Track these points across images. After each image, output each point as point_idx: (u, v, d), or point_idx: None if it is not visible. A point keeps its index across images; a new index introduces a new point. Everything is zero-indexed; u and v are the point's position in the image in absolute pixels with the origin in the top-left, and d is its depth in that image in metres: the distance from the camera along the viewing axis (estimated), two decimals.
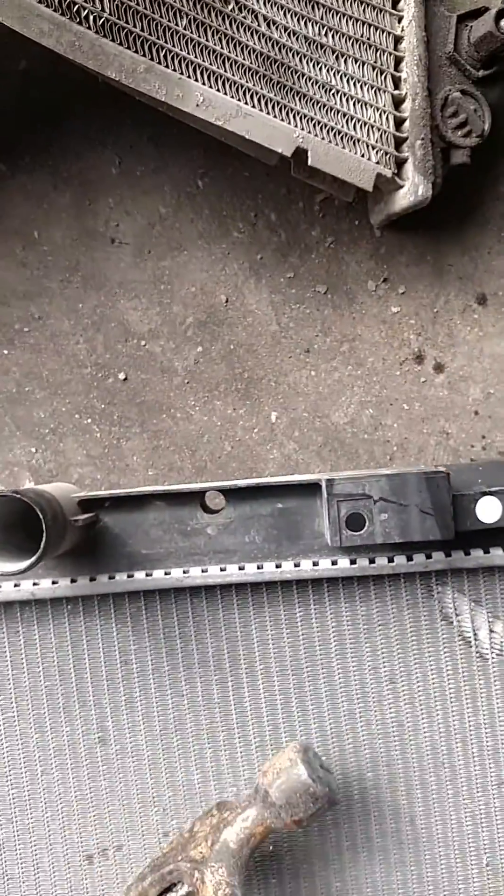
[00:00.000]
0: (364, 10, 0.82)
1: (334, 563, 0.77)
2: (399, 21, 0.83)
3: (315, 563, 0.77)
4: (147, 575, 0.78)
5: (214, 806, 0.71)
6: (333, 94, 0.81)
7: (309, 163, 0.81)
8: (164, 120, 0.84)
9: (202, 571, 0.77)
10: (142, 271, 0.94)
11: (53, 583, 0.78)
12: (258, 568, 0.77)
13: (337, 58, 0.81)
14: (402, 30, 0.82)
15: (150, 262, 0.94)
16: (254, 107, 0.80)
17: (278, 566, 0.77)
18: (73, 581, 0.78)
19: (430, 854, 0.79)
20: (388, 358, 0.93)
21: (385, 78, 0.82)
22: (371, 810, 0.79)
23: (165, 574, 0.78)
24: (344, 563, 0.77)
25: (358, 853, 0.79)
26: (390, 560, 0.77)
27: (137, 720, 0.80)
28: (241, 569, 0.77)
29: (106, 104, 0.89)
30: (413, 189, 0.82)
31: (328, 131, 0.81)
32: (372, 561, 0.77)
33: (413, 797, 0.79)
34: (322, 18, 0.81)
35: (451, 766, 0.79)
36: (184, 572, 0.77)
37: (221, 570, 0.77)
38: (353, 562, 0.77)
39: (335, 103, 0.81)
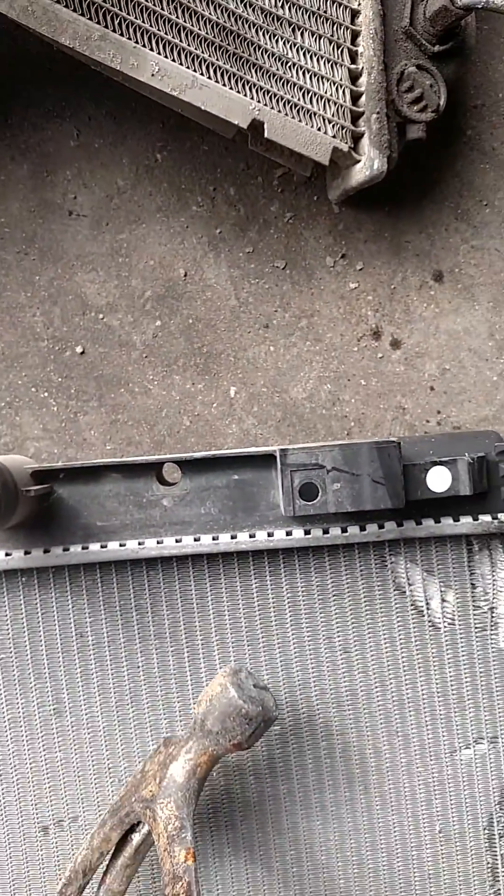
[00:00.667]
0: None
1: (289, 533, 0.77)
2: None
3: (270, 534, 0.78)
4: (102, 547, 0.78)
5: (161, 743, 0.72)
6: (290, 67, 0.81)
7: (265, 135, 0.81)
8: (123, 94, 0.83)
9: (157, 543, 0.77)
10: (100, 244, 0.93)
11: (7, 555, 0.77)
12: (213, 539, 0.77)
13: (294, 30, 0.81)
14: (359, 3, 0.82)
15: (108, 235, 0.93)
16: (210, 78, 0.79)
17: (234, 537, 0.77)
18: (26, 553, 0.77)
19: (383, 821, 0.80)
20: (345, 334, 0.94)
21: (342, 52, 0.82)
22: (325, 778, 0.80)
23: (121, 546, 0.78)
24: (298, 533, 0.77)
25: (312, 821, 0.80)
26: (344, 530, 0.77)
27: (93, 692, 0.80)
28: (196, 540, 0.77)
29: (64, 77, 0.88)
30: (369, 163, 0.82)
31: (285, 104, 0.81)
32: (326, 531, 0.78)
33: (367, 765, 0.80)
34: None
35: (405, 734, 0.80)
36: (139, 544, 0.77)
37: (177, 541, 0.77)
38: (307, 532, 0.77)
39: (292, 76, 0.81)
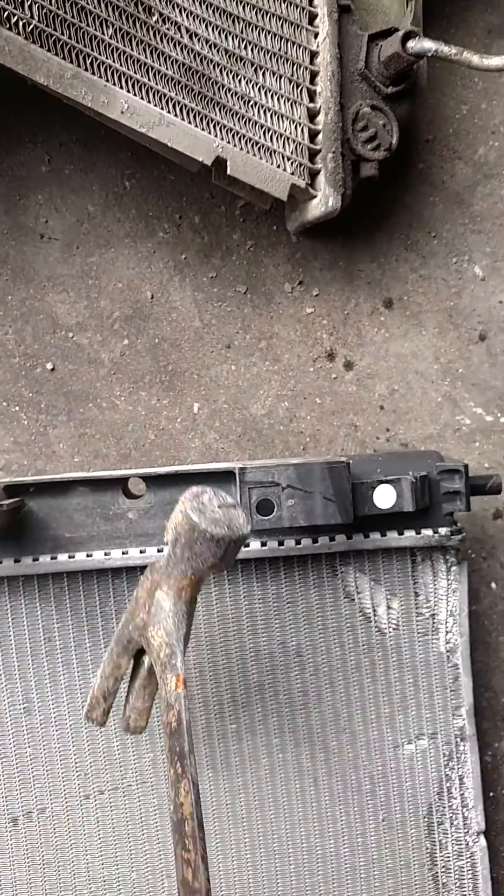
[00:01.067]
0: (282, 26, 0.87)
1: (247, 545, 0.83)
2: (315, 37, 0.88)
3: None
4: (70, 557, 0.82)
5: (147, 568, 0.71)
6: (252, 106, 0.86)
7: (228, 172, 0.86)
8: (94, 122, 0.87)
9: (122, 554, 0.82)
10: (70, 266, 0.97)
11: None
12: None
13: (256, 70, 0.86)
14: (318, 45, 0.88)
15: (79, 258, 0.98)
16: (176, 116, 0.84)
17: None
18: None
19: (331, 811, 0.87)
20: (302, 355, 1.00)
21: (301, 91, 0.87)
22: (277, 772, 0.86)
23: (88, 556, 0.83)
24: (256, 545, 0.83)
25: (265, 812, 0.86)
26: (298, 542, 0.83)
27: (60, 692, 0.85)
28: (160, 551, 0.82)
29: (37, 104, 0.92)
30: (324, 200, 0.87)
31: (246, 142, 0.86)
32: (281, 543, 0.83)
33: (316, 760, 0.86)
34: (242, 32, 0.86)
35: (352, 731, 0.87)
36: (105, 555, 0.82)
37: (141, 552, 0.83)
38: (264, 544, 0.83)
39: (253, 115, 0.86)
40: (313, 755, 0.86)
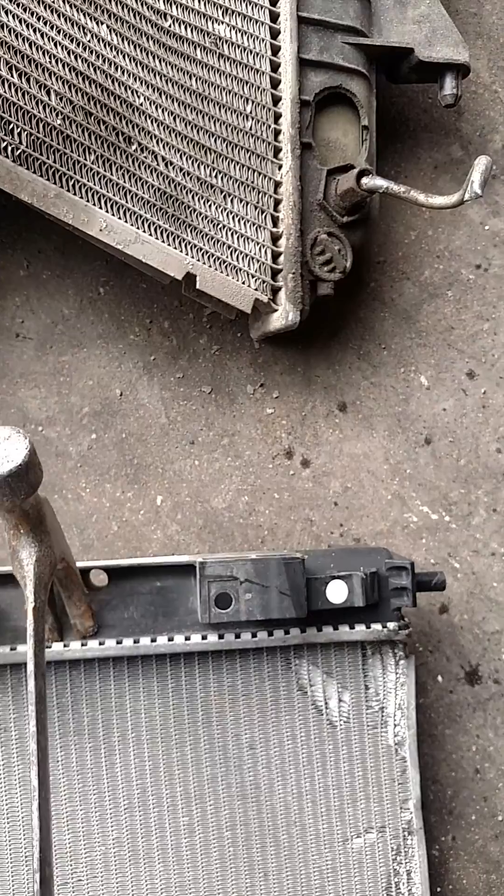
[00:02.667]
0: (249, 158, 0.96)
1: (204, 637, 0.86)
2: (279, 168, 0.97)
3: (187, 638, 0.86)
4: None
5: None
6: (221, 229, 0.94)
7: (197, 286, 0.93)
8: (71, 232, 0.94)
9: (82, 645, 0.85)
10: (43, 364, 1.03)
11: None
12: (135, 642, 0.85)
13: (225, 197, 0.95)
14: (282, 177, 0.97)
15: (52, 357, 1.03)
16: (151, 235, 0.92)
17: (153, 640, 0.85)
18: None
19: None
20: (262, 452, 1.05)
21: (265, 217, 0.96)
22: (228, 866, 0.87)
23: (47, 648, 0.84)
24: (213, 638, 0.86)
25: None
26: (254, 635, 0.87)
27: (13, 783, 0.85)
28: (118, 643, 0.85)
29: (18, 213, 0.98)
30: (284, 314, 0.95)
31: (215, 260, 0.94)
32: (238, 636, 0.87)
33: (267, 853, 0.88)
34: (213, 162, 0.94)
35: (302, 824, 0.88)
36: (65, 646, 0.85)
37: (100, 643, 0.85)
38: (221, 637, 0.86)
39: (222, 236, 0.94)
40: (264, 849, 0.88)
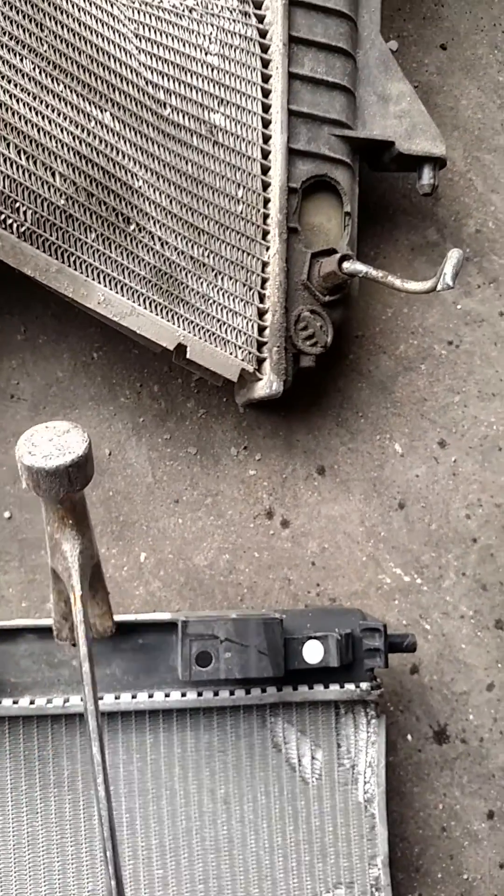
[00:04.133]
0: (239, 239, 1.02)
1: (184, 694, 0.89)
2: (267, 250, 1.04)
3: (167, 695, 0.89)
4: (14, 702, 0.87)
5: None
6: (211, 304, 1.00)
7: (187, 356, 0.99)
8: (68, 302, 0.99)
9: (64, 702, 0.87)
10: (36, 424, 1.07)
11: None
12: (116, 699, 0.88)
13: (216, 275, 1.01)
14: (269, 258, 1.03)
15: (45, 417, 1.07)
16: (145, 308, 0.97)
17: (134, 697, 0.89)
18: None
19: None
20: (244, 512, 1.10)
21: (253, 294, 1.02)
22: None
23: (30, 703, 0.87)
24: (192, 695, 0.90)
25: None
26: (231, 693, 0.90)
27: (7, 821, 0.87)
28: (99, 699, 0.88)
29: (17, 280, 1.03)
30: (269, 384, 1.01)
31: (204, 332, 1.00)
32: (216, 693, 0.90)
33: None
34: (205, 243, 1.01)
35: (273, 879, 0.91)
36: (47, 702, 0.87)
37: (81, 700, 0.88)
38: (200, 694, 0.90)
39: (212, 311, 1.00)
40: None
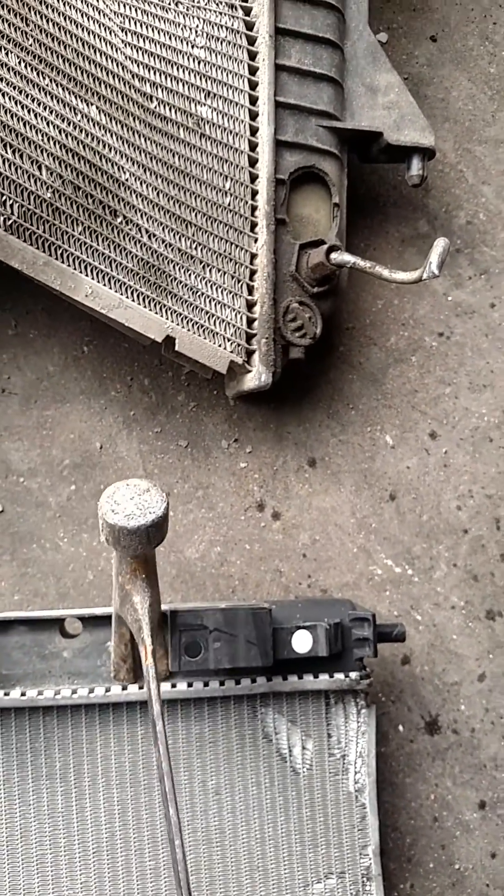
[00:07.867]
0: (227, 231, 1.02)
1: (174, 685, 0.90)
2: (255, 242, 1.04)
3: None
4: (5, 694, 0.87)
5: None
6: (199, 296, 1.00)
7: (176, 348, 0.99)
8: (58, 296, 1.00)
9: (55, 694, 0.88)
10: (27, 418, 1.07)
11: None
12: (106, 690, 0.88)
13: (203, 267, 1.01)
14: (257, 249, 1.03)
15: (36, 411, 1.08)
16: (133, 301, 0.98)
17: (124, 688, 0.89)
18: None
19: None
20: (235, 505, 1.10)
21: (241, 286, 1.02)
22: None
23: (22, 695, 0.87)
24: (182, 686, 0.90)
25: None
26: (221, 683, 0.90)
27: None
28: (90, 692, 0.88)
29: (8, 275, 1.04)
30: (258, 375, 1.01)
31: (193, 325, 1.00)
32: (206, 684, 0.90)
33: None
34: (193, 235, 1.01)
35: (264, 869, 0.91)
36: (38, 693, 0.88)
37: (73, 692, 0.88)
38: (189, 685, 0.90)
39: (200, 303, 1.00)
40: (227, 893, 0.90)
